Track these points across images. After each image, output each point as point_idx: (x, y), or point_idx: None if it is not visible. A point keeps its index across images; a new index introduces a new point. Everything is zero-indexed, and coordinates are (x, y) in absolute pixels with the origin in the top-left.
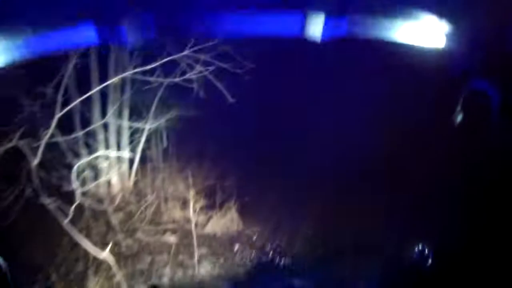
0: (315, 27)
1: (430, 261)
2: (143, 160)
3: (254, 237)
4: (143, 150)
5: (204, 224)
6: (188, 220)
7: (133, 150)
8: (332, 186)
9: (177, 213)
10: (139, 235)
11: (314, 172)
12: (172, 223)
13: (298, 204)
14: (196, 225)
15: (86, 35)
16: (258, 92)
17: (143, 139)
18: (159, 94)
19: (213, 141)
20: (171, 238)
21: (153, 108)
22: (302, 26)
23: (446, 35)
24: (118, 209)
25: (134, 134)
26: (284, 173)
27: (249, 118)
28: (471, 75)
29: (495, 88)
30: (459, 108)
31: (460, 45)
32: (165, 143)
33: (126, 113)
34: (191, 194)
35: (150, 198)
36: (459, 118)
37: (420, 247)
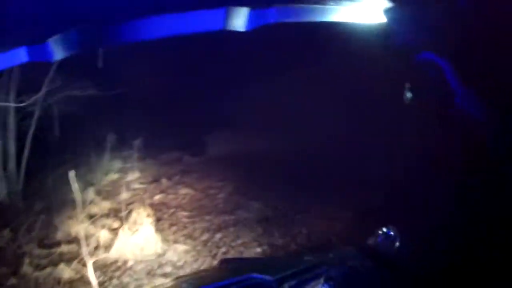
0: (238, 20)
1: (397, 244)
2: (33, 153)
3: (181, 263)
4: (34, 140)
5: (108, 245)
6: (86, 239)
7: (22, 140)
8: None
9: (73, 227)
10: (26, 268)
11: (250, 158)
12: (67, 244)
13: (237, 201)
14: (96, 247)
15: (16, 56)
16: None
17: (33, 126)
18: (52, 70)
19: (117, 125)
20: (66, 273)
21: (43, 88)
22: (224, 20)
23: (386, 12)
24: (3, 224)
25: (23, 120)
26: (210, 162)
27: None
28: (416, 49)
29: (444, 58)
30: (407, 84)
31: (402, 21)
32: (57, 131)
33: (12, 94)
34: (88, 196)
35: (39, 205)
36: (408, 95)
37: (384, 230)
